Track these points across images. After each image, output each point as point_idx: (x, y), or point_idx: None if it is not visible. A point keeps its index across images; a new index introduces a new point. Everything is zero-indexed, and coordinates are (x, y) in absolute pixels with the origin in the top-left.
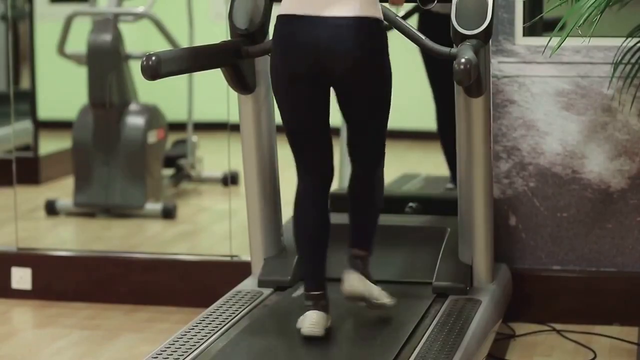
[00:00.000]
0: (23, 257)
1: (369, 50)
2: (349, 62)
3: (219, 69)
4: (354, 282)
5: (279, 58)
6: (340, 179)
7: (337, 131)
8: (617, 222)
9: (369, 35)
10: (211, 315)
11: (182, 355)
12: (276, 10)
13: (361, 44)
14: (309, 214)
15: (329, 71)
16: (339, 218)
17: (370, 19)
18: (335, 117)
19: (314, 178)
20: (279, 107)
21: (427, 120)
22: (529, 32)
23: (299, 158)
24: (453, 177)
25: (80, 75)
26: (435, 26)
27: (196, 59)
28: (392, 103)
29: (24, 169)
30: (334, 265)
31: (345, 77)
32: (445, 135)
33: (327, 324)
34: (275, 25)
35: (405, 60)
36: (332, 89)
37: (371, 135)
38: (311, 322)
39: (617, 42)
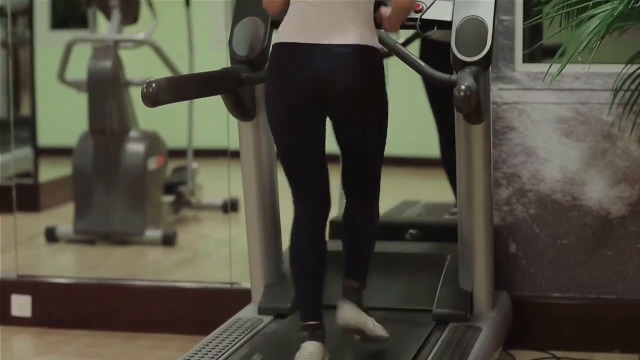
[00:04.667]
0: (23, 284)
1: (366, 79)
2: (345, 90)
3: (219, 96)
4: (348, 314)
5: (275, 86)
6: (340, 206)
7: (335, 158)
8: (618, 249)
9: (365, 63)
10: (211, 342)
11: None
12: (276, 38)
13: (358, 73)
14: (306, 245)
15: (325, 99)
16: (338, 245)
17: (368, 47)
18: (334, 143)
19: (310, 206)
20: (273, 134)
21: (427, 146)
22: (528, 58)
23: (294, 186)
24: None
25: (80, 102)
26: (436, 53)
27: (196, 86)
28: (391, 130)
29: (24, 196)
30: (332, 292)
31: (341, 105)
32: (448, 160)
33: (325, 354)
34: (272, 53)
35: (405, 87)
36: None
37: (367, 164)
38: (309, 353)
39: (617, 68)
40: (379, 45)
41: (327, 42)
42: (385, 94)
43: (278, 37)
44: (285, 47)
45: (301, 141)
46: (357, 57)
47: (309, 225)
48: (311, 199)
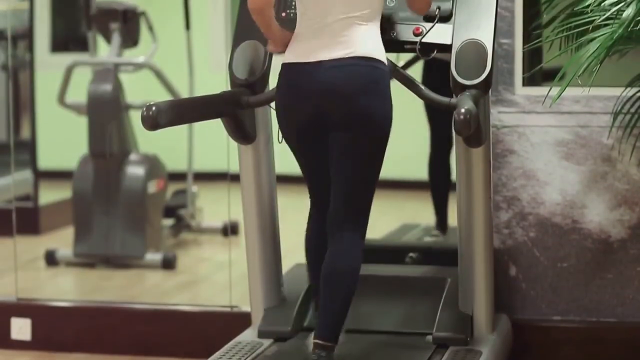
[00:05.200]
0: (23, 308)
1: (365, 90)
2: (344, 102)
3: (219, 119)
4: None
5: (282, 104)
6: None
7: None
8: (618, 272)
9: (366, 75)
10: None
11: None
12: (277, 60)
13: (356, 83)
14: (315, 237)
15: (326, 114)
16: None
17: (371, 59)
18: None
19: (323, 210)
20: (292, 152)
21: (426, 170)
22: (528, 82)
23: (311, 194)
24: (439, 224)
25: (80, 125)
26: (439, 75)
27: (196, 109)
28: (390, 153)
29: (24, 219)
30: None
31: (342, 118)
32: (434, 179)
33: None
34: (280, 76)
35: (403, 110)
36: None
37: (354, 194)
38: None
39: (617, 91)
40: (385, 58)
41: (325, 58)
42: (389, 108)
43: (286, 55)
44: (287, 67)
45: (313, 157)
46: (358, 69)
47: (320, 222)
48: (324, 203)
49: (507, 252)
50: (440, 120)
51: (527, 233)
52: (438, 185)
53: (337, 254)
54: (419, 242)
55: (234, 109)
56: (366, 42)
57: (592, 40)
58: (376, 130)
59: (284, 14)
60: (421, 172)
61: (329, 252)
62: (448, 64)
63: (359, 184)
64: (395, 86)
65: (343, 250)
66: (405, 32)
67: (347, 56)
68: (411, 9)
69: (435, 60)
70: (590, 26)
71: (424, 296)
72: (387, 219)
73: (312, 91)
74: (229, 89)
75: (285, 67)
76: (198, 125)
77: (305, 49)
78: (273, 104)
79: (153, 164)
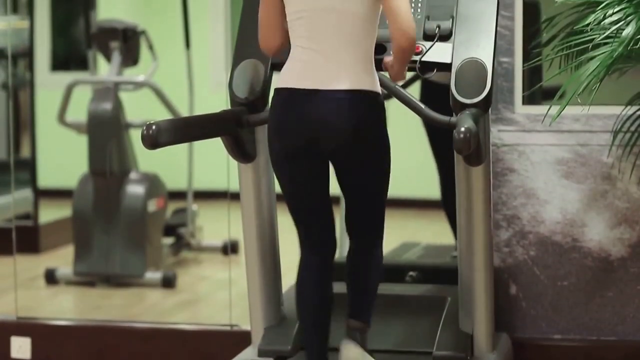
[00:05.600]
0: (22, 326)
1: (366, 124)
2: (346, 135)
3: (219, 138)
4: (352, 355)
5: (275, 131)
6: (343, 247)
7: (337, 200)
8: (618, 291)
9: (365, 108)
10: None
11: None
12: (277, 79)
13: (358, 118)
14: (312, 290)
15: (326, 145)
16: (343, 287)
17: (368, 92)
18: (336, 186)
19: (315, 249)
20: (278, 179)
21: (427, 188)
22: (528, 100)
23: (300, 230)
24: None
25: (80, 144)
26: (437, 95)
27: (196, 128)
28: (391, 171)
29: (24, 238)
30: (336, 334)
31: (342, 150)
32: (449, 202)
33: None
34: (272, 98)
35: (404, 128)
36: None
37: (369, 208)
38: None
39: (617, 110)
40: (379, 89)
41: (324, 88)
42: (386, 137)
43: (278, 81)
44: (284, 93)
45: (303, 186)
46: (354, 103)
47: (315, 269)
48: (316, 241)
49: (508, 270)
50: (441, 144)
51: (527, 251)
52: (453, 207)
53: (362, 251)
54: (419, 261)
55: (234, 128)
56: (363, 72)
57: (591, 58)
58: (375, 157)
59: None
60: (421, 190)
61: (352, 251)
62: (445, 88)
63: (368, 205)
64: (394, 105)
65: (369, 247)
66: None
67: (343, 88)
68: (397, 47)
69: (432, 84)
70: (590, 45)
71: (424, 315)
72: (387, 237)
73: (308, 120)
74: (229, 107)
75: (281, 91)
76: (198, 144)
77: (302, 74)
78: None
79: (153, 183)
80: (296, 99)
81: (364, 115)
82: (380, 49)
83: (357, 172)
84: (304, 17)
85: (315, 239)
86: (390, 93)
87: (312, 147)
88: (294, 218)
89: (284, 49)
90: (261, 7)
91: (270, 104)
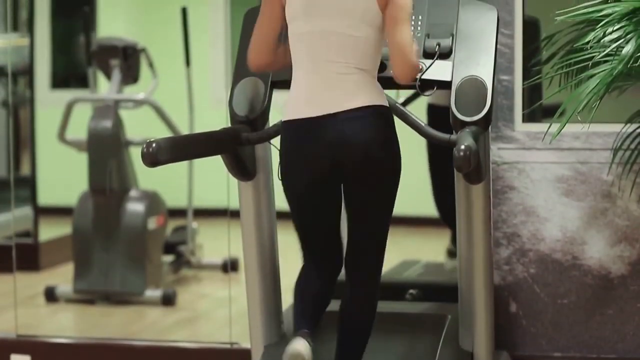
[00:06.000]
0: (22, 344)
1: (385, 137)
2: (366, 151)
3: (219, 156)
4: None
5: (292, 163)
6: None
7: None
8: (618, 309)
9: (381, 122)
10: None
11: None
12: (277, 97)
13: (376, 132)
14: (311, 283)
15: (342, 167)
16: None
17: (379, 106)
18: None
19: (321, 267)
20: (291, 204)
21: (427, 206)
22: (528, 118)
23: (306, 250)
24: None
25: (80, 161)
26: (441, 118)
27: (196, 146)
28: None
29: (24, 255)
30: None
31: (363, 167)
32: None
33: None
34: (284, 130)
35: (404, 146)
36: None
37: (371, 234)
38: (295, 350)
39: (617, 128)
40: (387, 103)
41: (336, 110)
42: (399, 153)
43: (285, 111)
44: (296, 124)
45: (319, 212)
46: (369, 119)
47: (317, 272)
48: (322, 261)
49: (508, 288)
50: (440, 161)
51: (528, 269)
52: (448, 208)
53: (358, 301)
54: (419, 279)
55: (234, 146)
56: (371, 89)
57: (591, 76)
58: (392, 174)
59: None
60: (421, 208)
61: (348, 296)
62: (448, 110)
63: (379, 224)
64: (395, 122)
65: (363, 295)
66: None
67: (357, 107)
68: (397, 79)
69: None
70: (590, 63)
71: (425, 333)
72: (387, 255)
73: (327, 145)
74: (229, 125)
75: (294, 122)
76: (198, 162)
77: (310, 101)
78: (273, 141)
79: (153, 200)
80: (309, 129)
81: (382, 129)
82: (380, 66)
83: (372, 188)
84: (304, 40)
85: (322, 259)
86: (391, 110)
87: (331, 172)
88: (302, 241)
89: (268, 69)
90: (257, 22)
91: (281, 138)
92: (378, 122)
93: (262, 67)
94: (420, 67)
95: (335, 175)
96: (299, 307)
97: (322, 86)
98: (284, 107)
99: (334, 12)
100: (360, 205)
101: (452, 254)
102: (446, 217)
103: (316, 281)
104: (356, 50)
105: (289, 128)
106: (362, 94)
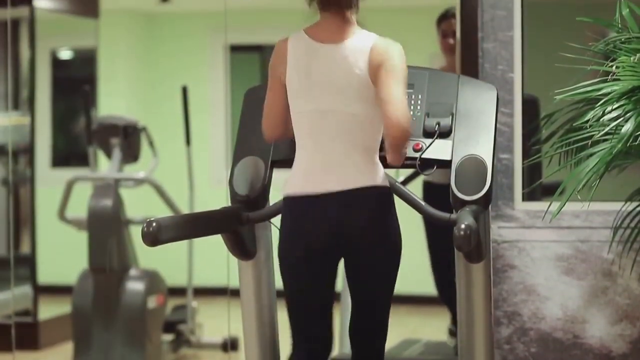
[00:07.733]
0: None
1: (381, 218)
2: (364, 232)
3: (219, 235)
4: None
5: (291, 238)
6: (340, 344)
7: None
8: None
9: (380, 203)
10: None
11: None
12: (277, 176)
13: (374, 212)
14: None
15: (341, 246)
16: None
17: (379, 187)
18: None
19: (310, 350)
20: (285, 281)
21: (428, 284)
22: (528, 197)
23: (296, 330)
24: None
25: (80, 240)
26: (439, 195)
27: (196, 225)
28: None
29: (24, 334)
30: None
31: (361, 246)
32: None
33: None
34: (286, 205)
35: (404, 225)
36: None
37: (374, 309)
38: None
39: (617, 206)
40: (387, 182)
41: (337, 189)
42: (399, 233)
43: (287, 186)
44: (296, 200)
45: (315, 289)
46: (370, 200)
47: None
48: (313, 342)
49: None
50: (440, 241)
51: (529, 348)
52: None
53: None
54: (420, 358)
55: (234, 225)
56: (372, 169)
57: (591, 155)
58: (392, 254)
59: None
60: (422, 286)
61: None
62: (446, 187)
63: (381, 304)
64: (395, 201)
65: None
66: None
67: (358, 187)
68: (389, 159)
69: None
70: (590, 141)
71: None
72: (388, 334)
73: (327, 223)
74: (229, 204)
75: (295, 199)
76: (198, 240)
77: (313, 178)
78: (273, 220)
79: (153, 279)
80: (309, 205)
81: (382, 209)
82: (381, 144)
83: (372, 268)
84: (305, 119)
85: (313, 339)
86: (391, 190)
87: (329, 250)
88: (293, 319)
89: (284, 138)
90: (267, 97)
91: (282, 213)
92: (378, 203)
93: (278, 138)
94: (420, 146)
95: (333, 253)
96: None
97: (323, 165)
98: (287, 182)
99: (331, 90)
100: (361, 285)
101: (453, 333)
102: (445, 295)
103: None
104: (356, 128)
105: (290, 203)
106: (363, 174)
